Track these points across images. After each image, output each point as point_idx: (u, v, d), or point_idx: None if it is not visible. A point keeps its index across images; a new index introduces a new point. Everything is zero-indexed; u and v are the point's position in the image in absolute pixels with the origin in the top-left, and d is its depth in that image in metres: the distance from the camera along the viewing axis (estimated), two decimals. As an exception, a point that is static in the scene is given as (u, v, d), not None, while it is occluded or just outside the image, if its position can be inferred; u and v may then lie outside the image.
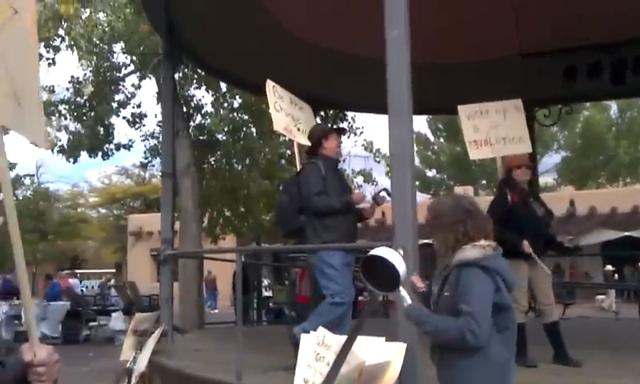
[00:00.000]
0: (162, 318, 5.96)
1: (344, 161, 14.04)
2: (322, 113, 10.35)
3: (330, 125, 10.88)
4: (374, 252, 2.53)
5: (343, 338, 3.30)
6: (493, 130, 5.67)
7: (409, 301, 2.60)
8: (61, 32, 9.28)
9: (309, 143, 5.29)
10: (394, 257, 2.46)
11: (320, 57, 8.11)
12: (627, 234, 21.92)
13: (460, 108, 5.90)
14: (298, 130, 5.63)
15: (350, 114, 12.09)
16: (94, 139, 10.95)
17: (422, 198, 33.86)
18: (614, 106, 30.52)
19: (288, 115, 5.64)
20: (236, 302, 6.68)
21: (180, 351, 5.74)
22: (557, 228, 21.73)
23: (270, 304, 15.64)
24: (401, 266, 2.43)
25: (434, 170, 34.78)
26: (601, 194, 25.59)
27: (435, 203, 2.87)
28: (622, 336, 8.16)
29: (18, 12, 1.48)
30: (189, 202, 9.69)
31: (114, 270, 34.53)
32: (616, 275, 22.48)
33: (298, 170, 5.30)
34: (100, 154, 11.38)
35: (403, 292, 2.58)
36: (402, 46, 3.75)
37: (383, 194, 5.05)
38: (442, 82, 8.87)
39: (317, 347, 3.52)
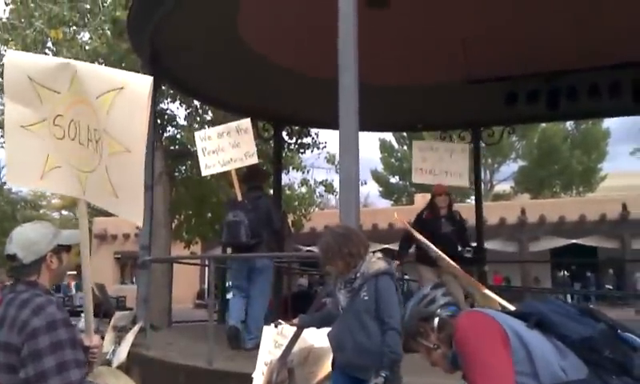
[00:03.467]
0: (139, 316, 6.65)
1: (308, 172, 14.90)
2: (289, 128, 11.09)
3: (295, 140, 11.63)
4: None
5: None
6: (438, 162, 6.99)
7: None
8: (48, 54, 9.76)
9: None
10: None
11: (287, 78, 8.84)
12: (574, 241, 23.22)
13: (415, 143, 7.27)
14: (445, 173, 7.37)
15: (313, 130, 12.87)
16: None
17: (386, 203, 34.89)
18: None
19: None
20: (208, 302, 7.52)
21: (156, 344, 6.46)
22: (509, 234, 22.71)
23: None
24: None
25: (397, 177, 35.78)
26: (551, 203, 26.86)
27: (320, 242, 3.51)
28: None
29: (131, 151, 2.08)
30: (160, 208, 10.22)
31: (75, 272, 34.32)
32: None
33: (240, 197, 6.60)
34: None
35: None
36: (351, 88, 4.51)
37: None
38: (398, 101, 9.71)
39: (276, 336, 4.31)
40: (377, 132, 20.66)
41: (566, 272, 21.19)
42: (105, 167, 2.16)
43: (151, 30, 7.06)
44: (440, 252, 3.76)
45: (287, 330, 4.16)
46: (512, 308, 2.69)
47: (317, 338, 4.11)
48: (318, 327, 3.86)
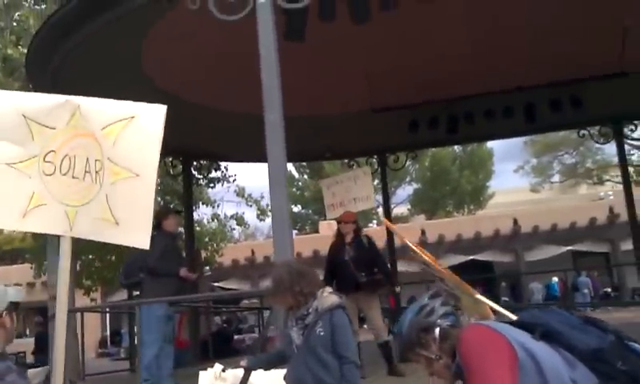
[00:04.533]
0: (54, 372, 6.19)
1: (218, 206, 14.68)
2: (196, 163, 10.89)
3: (206, 174, 11.42)
4: None
5: (238, 372, 4.00)
6: (346, 193, 7.32)
7: None
8: None
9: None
10: None
11: (196, 113, 8.72)
12: (471, 257, 24.40)
13: (321, 182, 7.57)
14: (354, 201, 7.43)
15: (223, 164, 12.73)
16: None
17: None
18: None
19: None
20: (131, 349, 7.20)
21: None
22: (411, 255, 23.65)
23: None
24: None
25: (299, 206, 36.07)
26: (448, 223, 28.09)
27: (273, 273, 3.48)
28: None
29: (140, 175, 2.17)
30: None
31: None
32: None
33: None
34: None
35: None
36: (278, 128, 4.55)
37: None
38: (306, 132, 9.85)
39: (214, 381, 4.16)
40: (287, 162, 20.75)
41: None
42: (105, 196, 2.25)
43: (53, 66, 6.75)
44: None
45: (227, 373, 4.04)
46: (511, 315, 2.70)
47: (262, 379, 4.03)
48: (266, 368, 3.77)
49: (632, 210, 10.38)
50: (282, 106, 4.66)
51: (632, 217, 10.44)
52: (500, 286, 24.84)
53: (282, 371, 3.88)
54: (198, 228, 14.33)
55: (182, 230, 13.42)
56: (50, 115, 2.32)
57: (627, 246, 22.82)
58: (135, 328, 8.88)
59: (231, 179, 13.38)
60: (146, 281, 6.21)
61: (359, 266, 6.33)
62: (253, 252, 25.67)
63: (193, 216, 11.20)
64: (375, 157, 11.34)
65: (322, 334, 3.22)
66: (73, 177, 2.31)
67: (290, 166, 35.16)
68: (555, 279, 21.82)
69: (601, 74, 8.50)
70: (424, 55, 8.63)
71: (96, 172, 2.28)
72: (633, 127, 10.37)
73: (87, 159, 2.29)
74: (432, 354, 2.00)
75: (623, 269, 23.28)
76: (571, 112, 9.18)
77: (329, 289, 3.43)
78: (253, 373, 3.93)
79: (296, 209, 36.18)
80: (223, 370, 4.01)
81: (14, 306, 2.24)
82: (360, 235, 6.68)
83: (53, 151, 2.33)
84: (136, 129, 2.26)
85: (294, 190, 36.06)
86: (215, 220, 15.27)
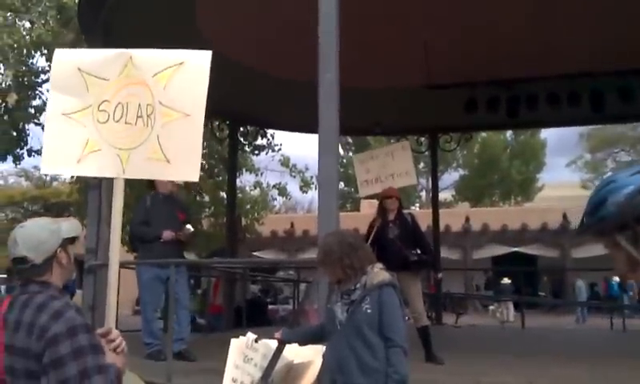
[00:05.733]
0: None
1: (261, 174, 14.49)
2: (242, 128, 10.68)
3: (251, 140, 11.24)
4: None
5: (272, 343, 3.76)
6: (382, 169, 6.76)
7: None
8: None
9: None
10: None
11: (246, 76, 8.47)
12: (515, 249, 23.75)
13: (354, 157, 7.05)
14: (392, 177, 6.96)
15: (269, 131, 12.49)
16: (6, 144, 10.60)
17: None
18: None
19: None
20: (165, 309, 7.11)
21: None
22: (453, 241, 23.04)
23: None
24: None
25: (342, 183, 35.74)
26: (494, 212, 27.41)
27: (323, 240, 3.25)
28: (506, 342, 9.14)
29: (190, 115, 2.41)
30: (105, 209, 9.65)
31: (5, 276, 32.62)
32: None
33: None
34: (11, 158, 11.05)
35: None
36: (333, 89, 4.25)
37: (189, 226, 6.17)
38: (356, 105, 9.50)
39: (245, 350, 3.94)
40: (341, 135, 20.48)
41: (508, 279, 21.57)
42: (156, 137, 2.46)
43: (104, 17, 6.59)
44: None
45: (259, 344, 3.80)
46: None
47: (295, 352, 3.78)
48: (303, 343, 3.51)
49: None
50: (338, 71, 4.34)
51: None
52: (542, 280, 24.22)
53: (320, 348, 3.63)
54: (239, 195, 14.24)
55: (224, 194, 13.39)
56: (103, 67, 2.54)
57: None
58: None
59: (276, 148, 13.15)
60: (135, 244, 6.26)
61: (405, 245, 6.00)
62: (292, 225, 25.63)
63: (236, 182, 11.04)
64: (426, 136, 10.89)
65: (369, 311, 2.93)
66: (125, 122, 2.51)
67: (336, 142, 34.82)
68: (616, 279, 20.97)
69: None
70: (487, 31, 8.15)
71: (147, 116, 2.48)
72: None
73: (139, 105, 2.50)
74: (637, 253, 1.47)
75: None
76: (642, 103, 8.57)
77: (380, 265, 3.13)
78: (287, 346, 3.69)
79: (340, 186, 35.91)
80: (256, 341, 3.78)
81: (69, 241, 2.27)
82: (404, 213, 6.33)
83: (107, 101, 2.53)
84: (185, 73, 2.46)
85: (338, 166, 35.75)
86: (257, 188, 15.10)
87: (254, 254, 20.90)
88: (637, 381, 5.05)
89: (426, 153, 11.77)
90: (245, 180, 14.71)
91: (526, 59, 8.50)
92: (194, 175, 2.46)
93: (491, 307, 19.89)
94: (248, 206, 14.59)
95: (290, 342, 3.52)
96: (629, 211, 1.46)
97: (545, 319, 17.52)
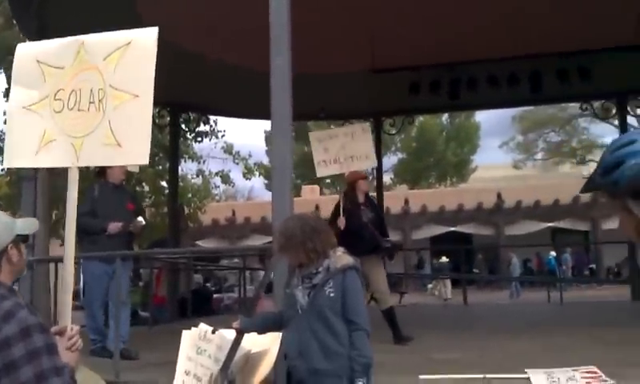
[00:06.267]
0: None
1: (204, 162, 14.18)
2: (184, 115, 10.38)
3: (194, 127, 10.96)
4: None
5: (227, 333, 3.65)
6: (341, 150, 6.47)
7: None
8: None
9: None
10: None
11: (189, 62, 8.21)
12: (453, 229, 24.37)
13: (311, 134, 6.82)
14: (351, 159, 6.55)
15: (212, 118, 12.21)
16: None
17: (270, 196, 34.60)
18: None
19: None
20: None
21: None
22: (393, 223, 23.48)
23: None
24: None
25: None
26: (431, 194, 28.01)
27: (284, 224, 3.12)
28: (451, 318, 9.38)
29: (139, 96, 2.34)
30: (40, 201, 9.20)
31: None
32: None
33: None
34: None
35: None
36: (285, 72, 4.15)
37: (140, 218, 5.93)
38: (299, 90, 9.39)
39: (198, 341, 3.83)
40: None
41: (446, 258, 22.17)
42: (108, 122, 2.40)
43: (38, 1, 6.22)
44: None
45: (213, 335, 3.69)
46: None
47: (252, 341, 3.69)
48: (262, 332, 3.41)
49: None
50: (290, 52, 4.25)
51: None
52: (477, 257, 25.01)
53: (277, 335, 3.55)
54: (181, 183, 13.91)
55: (164, 183, 13.02)
56: (58, 56, 2.53)
57: (608, 225, 23.12)
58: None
59: (219, 135, 12.89)
60: (78, 238, 5.78)
61: (378, 230, 5.98)
62: (234, 212, 25.34)
63: (178, 170, 10.75)
64: (371, 120, 10.93)
65: (331, 295, 2.87)
66: (79, 109, 2.48)
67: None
68: (553, 254, 21.88)
69: (613, 45, 8.16)
70: (429, 15, 8.22)
71: (99, 101, 2.45)
72: (637, 103, 10.08)
73: (91, 90, 2.47)
74: None
75: (601, 247, 23.48)
76: (578, 84, 8.87)
77: (342, 249, 3.07)
78: (246, 336, 3.59)
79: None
80: (213, 332, 3.66)
81: (21, 239, 2.18)
82: (370, 196, 6.26)
83: (62, 89, 2.52)
84: (132, 53, 2.42)
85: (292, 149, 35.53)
86: (200, 176, 14.78)
87: (196, 243, 20.54)
88: (577, 347, 5.30)
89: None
90: (186, 168, 14.36)
91: (467, 42, 8.62)
92: (143, 158, 2.39)
93: (429, 285, 20.37)
94: (190, 195, 14.27)
95: (248, 331, 3.41)
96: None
97: (481, 295, 18.14)
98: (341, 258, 2.98)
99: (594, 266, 24.29)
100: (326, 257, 2.96)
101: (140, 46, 2.42)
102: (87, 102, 2.46)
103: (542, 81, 9.11)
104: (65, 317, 2.35)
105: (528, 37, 8.47)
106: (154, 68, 2.34)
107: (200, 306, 10.95)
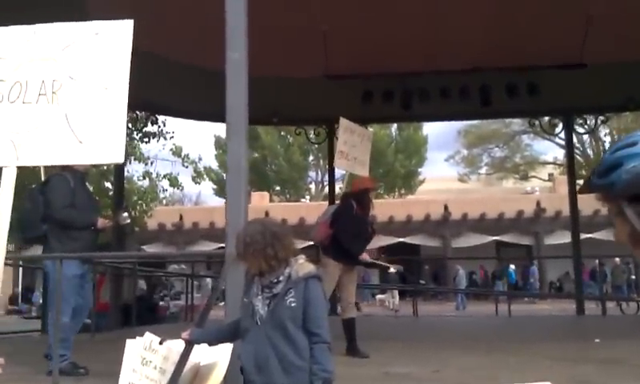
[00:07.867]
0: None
1: (151, 164, 13.80)
2: (131, 113, 10.04)
3: (141, 126, 10.64)
4: None
5: (175, 344, 3.49)
6: (352, 148, 6.51)
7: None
8: None
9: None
10: None
11: (137, 58, 7.95)
12: (401, 239, 24.61)
13: (343, 120, 6.70)
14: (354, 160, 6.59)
15: (161, 118, 11.90)
16: None
17: (220, 201, 34.15)
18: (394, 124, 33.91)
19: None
20: (43, 309, 6.43)
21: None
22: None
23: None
24: None
25: (230, 174, 35.12)
26: (380, 204, 28.14)
27: (244, 230, 2.96)
28: (403, 330, 9.36)
29: (108, 88, 2.28)
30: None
31: None
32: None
33: (43, 179, 5.31)
34: None
35: None
36: (242, 68, 4.02)
37: (125, 214, 5.83)
38: (252, 93, 9.26)
39: (143, 352, 3.64)
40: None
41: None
42: (64, 115, 2.28)
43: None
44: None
45: (159, 345, 3.51)
46: None
47: (201, 353, 3.52)
48: (214, 344, 3.24)
49: (574, 201, 10.43)
50: (247, 49, 4.12)
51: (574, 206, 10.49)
52: (423, 268, 25.36)
53: (227, 346, 3.40)
54: (127, 185, 13.50)
55: (109, 185, 12.57)
56: None
57: (551, 240, 23.83)
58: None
59: (168, 136, 12.58)
60: (52, 234, 5.06)
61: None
62: (181, 217, 24.87)
63: (123, 171, 10.40)
64: (324, 127, 10.88)
65: (293, 305, 2.72)
66: (23, 102, 2.35)
67: (222, 132, 34.17)
68: (513, 267, 22.36)
69: (561, 63, 8.39)
70: (383, 25, 8.26)
71: (53, 92, 2.33)
72: (582, 121, 10.38)
73: (43, 81, 2.36)
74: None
75: (545, 262, 24.15)
76: (527, 99, 9.07)
77: (303, 256, 2.94)
78: (195, 347, 3.40)
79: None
80: (161, 342, 3.48)
81: None
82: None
83: (2, 80, 2.39)
84: (101, 44, 2.35)
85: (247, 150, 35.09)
86: (147, 178, 14.37)
87: (142, 247, 19.99)
88: (531, 362, 5.31)
89: (319, 145, 11.76)
90: (132, 169, 13.94)
91: (418, 54, 8.70)
92: (117, 156, 2.25)
93: (379, 296, 20.48)
94: (136, 198, 13.85)
95: (199, 343, 3.23)
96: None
97: (428, 306, 18.31)
98: (303, 266, 2.84)
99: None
100: (288, 265, 2.83)
101: (111, 37, 2.37)
102: (36, 94, 2.35)
103: (491, 94, 9.28)
104: None
105: (478, 51, 8.63)
106: (128, 61, 2.29)
107: (144, 314, 10.62)
